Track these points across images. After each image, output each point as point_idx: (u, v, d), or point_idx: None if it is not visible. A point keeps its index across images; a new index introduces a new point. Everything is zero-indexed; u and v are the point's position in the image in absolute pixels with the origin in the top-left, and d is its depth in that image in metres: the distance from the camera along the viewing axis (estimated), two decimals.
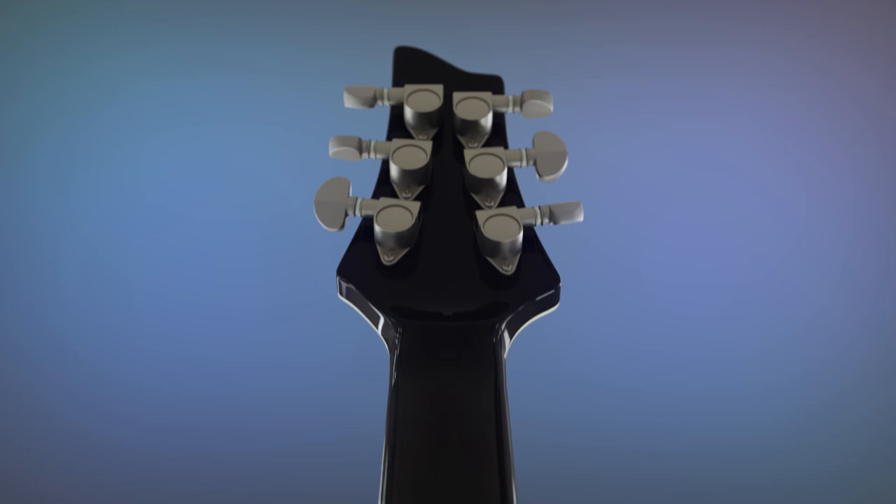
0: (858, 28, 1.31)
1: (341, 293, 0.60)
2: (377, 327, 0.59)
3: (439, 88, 0.65)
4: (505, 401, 0.54)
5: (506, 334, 0.58)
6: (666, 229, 1.23)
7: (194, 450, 1.14)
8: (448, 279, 0.58)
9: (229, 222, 1.22)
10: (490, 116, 0.64)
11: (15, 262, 1.20)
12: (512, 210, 0.60)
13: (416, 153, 0.61)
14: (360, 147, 0.63)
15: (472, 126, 0.64)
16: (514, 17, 1.31)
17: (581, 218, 0.61)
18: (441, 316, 0.57)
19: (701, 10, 1.31)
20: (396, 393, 0.54)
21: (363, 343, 1.17)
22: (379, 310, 0.58)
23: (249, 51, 1.29)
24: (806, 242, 1.22)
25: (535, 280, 0.59)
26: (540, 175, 0.63)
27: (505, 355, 0.57)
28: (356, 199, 0.60)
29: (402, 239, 0.59)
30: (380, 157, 0.63)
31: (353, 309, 0.60)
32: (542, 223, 0.61)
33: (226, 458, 1.14)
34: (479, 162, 0.61)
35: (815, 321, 1.19)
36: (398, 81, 0.68)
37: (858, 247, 1.22)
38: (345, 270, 0.59)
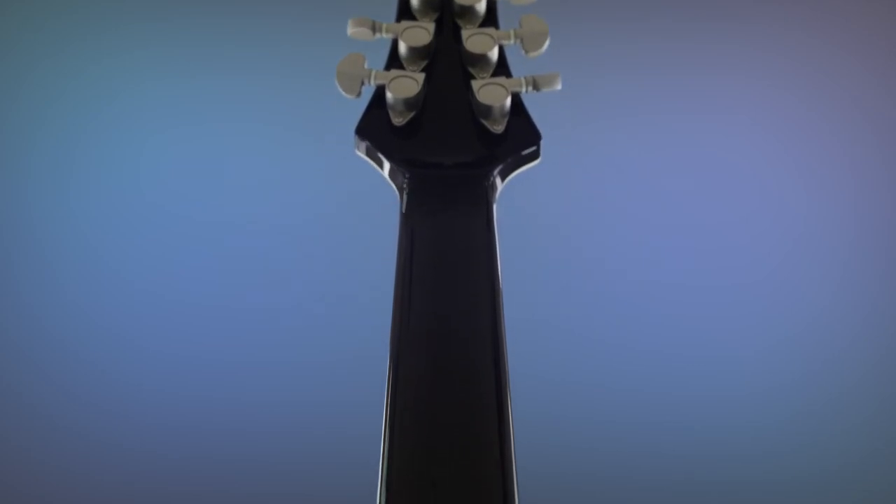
0: (858, 28, 1.31)
1: (359, 150, 0.71)
2: (388, 175, 0.70)
3: None
4: (495, 235, 0.66)
5: (496, 181, 0.69)
6: (666, 229, 1.23)
7: (194, 449, 1.14)
8: (448, 136, 0.70)
9: (229, 222, 1.22)
10: (484, 2, 0.76)
11: (15, 262, 1.20)
12: (501, 80, 0.71)
13: (420, 33, 0.73)
14: (374, 28, 0.74)
15: (468, 10, 0.75)
16: (515, 17, 1.30)
17: (559, 86, 0.73)
18: (442, 165, 0.69)
19: (701, 10, 1.31)
20: (406, 225, 0.66)
21: (363, 343, 1.17)
22: (390, 161, 0.69)
23: (249, 51, 1.29)
24: (806, 242, 1.22)
25: (520, 138, 0.70)
26: (526, 51, 0.74)
27: (495, 200, 0.69)
28: (371, 71, 0.71)
29: (409, 104, 0.70)
30: (390, 36, 0.74)
31: (369, 163, 0.71)
32: (526, 90, 0.72)
33: (226, 457, 1.14)
34: (475, 40, 0.73)
35: (815, 321, 1.19)
36: None
37: (858, 247, 1.22)
38: (362, 130, 0.71)
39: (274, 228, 1.22)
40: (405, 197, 0.68)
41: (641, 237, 1.22)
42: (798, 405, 1.16)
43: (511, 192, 1.22)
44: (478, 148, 0.70)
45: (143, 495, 1.12)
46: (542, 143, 0.70)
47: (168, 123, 1.26)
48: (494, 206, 0.68)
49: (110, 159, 1.25)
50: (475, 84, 0.71)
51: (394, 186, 0.70)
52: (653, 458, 1.14)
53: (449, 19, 0.75)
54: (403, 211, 0.67)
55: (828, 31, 1.30)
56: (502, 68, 0.74)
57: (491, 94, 0.70)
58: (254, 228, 1.22)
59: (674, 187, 1.24)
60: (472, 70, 0.73)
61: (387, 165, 0.70)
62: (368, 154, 0.71)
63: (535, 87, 0.72)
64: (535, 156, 0.71)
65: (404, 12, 0.76)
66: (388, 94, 0.70)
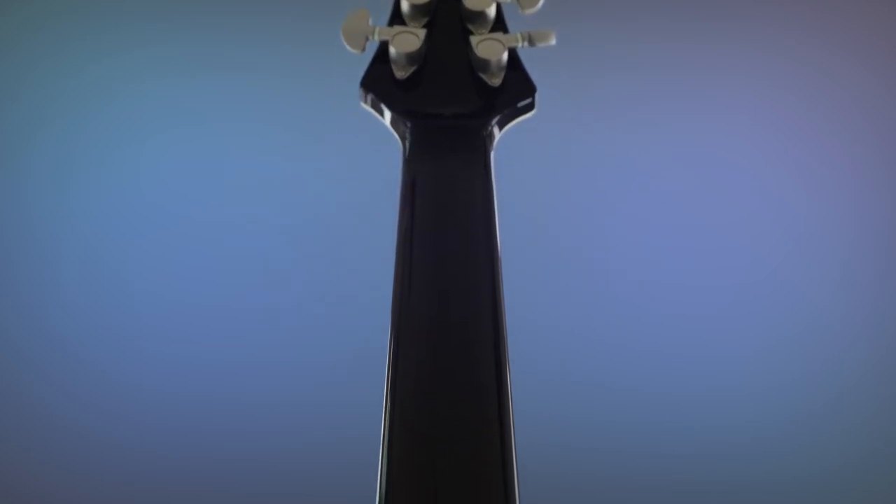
0: (858, 28, 1.31)
1: (364, 102, 0.74)
2: (391, 125, 0.73)
3: None
4: (492, 180, 0.68)
5: (494, 130, 0.72)
6: (666, 229, 1.23)
7: (194, 449, 1.14)
8: (448, 89, 0.73)
9: (229, 222, 1.22)
10: None
11: (15, 262, 1.20)
12: (499, 35, 0.74)
13: None
14: None
15: None
16: (515, 17, 1.31)
17: (553, 41, 0.75)
18: (442, 116, 0.72)
19: (701, 10, 1.31)
20: (408, 171, 0.69)
21: (363, 343, 1.17)
22: (392, 111, 0.72)
23: (249, 51, 1.29)
24: (806, 242, 1.22)
25: (516, 90, 0.73)
26: (521, 9, 0.77)
27: (493, 148, 0.72)
28: (374, 27, 0.75)
29: (411, 58, 0.74)
30: None
31: (374, 115, 0.74)
32: (522, 46, 0.75)
33: (226, 457, 1.14)
34: None
35: (815, 321, 1.19)
36: None
37: (858, 247, 1.22)
38: (366, 83, 0.74)
39: (274, 228, 1.22)
40: (407, 145, 0.71)
41: (641, 237, 1.22)
42: (798, 405, 1.16)
43: (511, 192, 1.23)
44: (476, 100, 0.73)
45: (143, 495, 1.12)
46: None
47: (168, 123, 1.26)
48: (492, 154, 0.71)
49: (110, 159, 1.25)
50: (474, 39, 0.74)
51: (396, 135, 0.73)
52: (653, 458, 1.14)
53: None
54: (406, 158, 0.70)
55: (828, 31, 1.30)
56: (500, 24, 0.77)
57: (489, 48, 0.73)
58: (254, 228, 1.22)
59: (674, 187, 1.24)
60: (470, 26, 0.77)
61: (389, 115, 0.73)
62: (373, 106, 0.74)
63: (531, 42, 0.75)
64: (530, 107, 0.74)
65: None
66: (391, 49, 0.74)
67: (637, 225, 1.23)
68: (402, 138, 0.72)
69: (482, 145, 0.70)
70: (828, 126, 1.27)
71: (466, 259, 0.63)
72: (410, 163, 0.69)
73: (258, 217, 1.23)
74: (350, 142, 1.25)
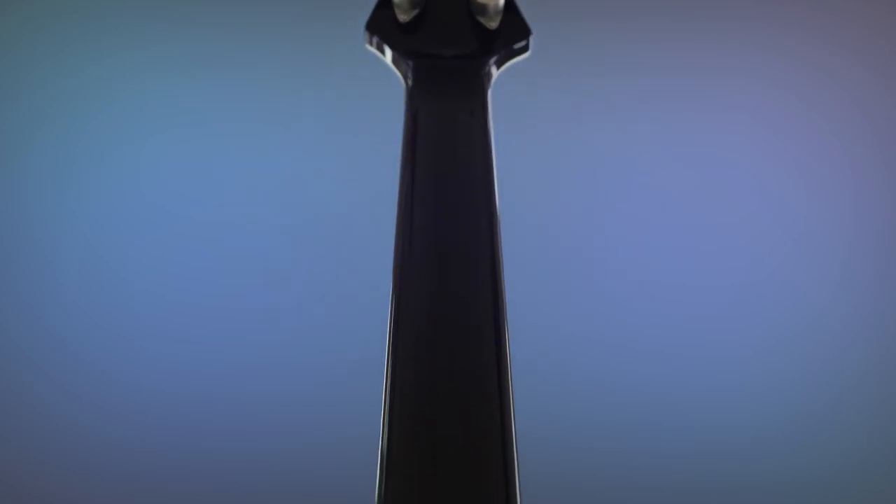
0: (858, 28, 1.31)
1: (370, 44, 0.79)
2: (393, 64, 0.77)
3: None
4: (489, 116, 0.72)
5: (491, 69, 0.76)
6: (665, 229, 1.23)
7: (194, 450, 1.14)
8: (448, 31, 0.78)
9: (229, 222, 1.22)
10: None
11: (15, 262, 1.20)
12: None
13: None
14: None
15: None
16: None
17: None
18: (442, 56, 0.76)
19: (701, 10, 1.31)
20: (410, 109, 0.72)
21: (363, 343, 1.17)
22: (395, 52, 0.77)
23: (249, 51, 1.29)
24: (806, 242, 1.22)
25: (512, 33, 0.78)
26: None
27: (490, 87, 0.75)
28: None
29: (413, 2, 0.78)
30: None
31: (378, 56, 0.78)
32: None
33: (226, 458, 1.14)
34: None
35: (815, 321, 1.19)
36: None
37: (858, 247, 1.22)
38: (371, 26, 0.78)
39: (274, 228, 1.22)
40: (409, 83, 0.75)
41: (641, 236, 1.22)
42: (798, 405, 1.16)
43: (512, 192, 1.23)
44: (475, 42, 0.77)
45: (143, 495, 1.12)
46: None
47: (168, 123, 1.26)
48: (489, 92, 0.76)
49: (110, 159, 1.25)
50: None
51: (399, 74, 0.77)
52: (653, 458, 1.14)
53: None
54: (408, 95, 0.74)
55: (828, 31, 1.30)
56: None
57: None
58: (254, 228, 1.22)
59: (673, 187, 1.24)
60: None
61: (391, 54, 0.77)
62: (377, 47, 0.79)
63: None
64: (525, 49, 0.78)
65: None
66: None
67: (636, 224, 1.23)
68: (405, 77, 0.76)
69: (480, 84, 0.74)
70: (828, 126, 1.27)
71: (466, 193, 0.67)
72: (412, 99, 0.73)
73: (258, 217, 1.23)
74: (350, 142, 1.25)
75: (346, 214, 1.23)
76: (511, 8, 0.80)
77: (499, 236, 0.65)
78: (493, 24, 0.78)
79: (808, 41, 1.30)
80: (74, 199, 1.23)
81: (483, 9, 0.78)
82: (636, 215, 1.23)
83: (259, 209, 1.23)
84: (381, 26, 0.79)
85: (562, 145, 1.24)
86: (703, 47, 1.30)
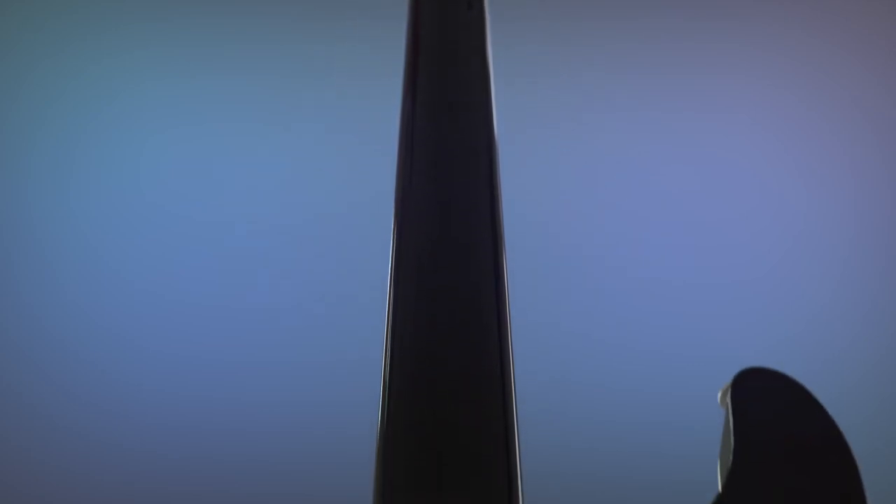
0: (858, 28, 1.31)
1: None
2: None
3: None
4: (486, 15, 0.75)
5: None
6: (666, 227, 1.23)
7: (194, 449, 1.14)
8: None
9: (229, 222, 1.22)
10: None
11: (15, 262, 1.20)
12: None
13: None
14: None
15: None
16: (515, 17, 1.31)
17: None
18: None
19: (701, 10, 1.31)
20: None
21: (363, 343, 1.17)
22: None
23: (249, 51, 1.29)
24: (805, 240, 1.22)
25: None
26: None
27: None
28: None
29: None
30: None
31: None
32: None
33: (226, 458, 1.14)
34: None
35: (815, 319, 1.19)
36: None
37: (858, 245, 1.22)
38: None
39: (274, 228, 1.22)
40: None
41: (641, 235, 1.22)
42: None
43: (512, 192, 1.22)
44: None
45: (143, 495, 1.12)
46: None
47: (168, 123, 1.26)
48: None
49: (110, 159, 1.25)
50: None
51: None
52: (652, 458, 1.14)
53: None
54: None
55: (828, 31, 1.30)
56: None
57: None
58: (254, 228, 1.22)
59: (674, 185, 1.24)
60: None
61: None
62: None
63: None
64: None
65: None
66: None
67: (637, 223, 1.23)
68: None
69: None
70: (828, 126, 1.27)
71: (466, 93, 0.68)
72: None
73: (258, 217, 1.23)
74: (350, 142, 1.25)
75: (346, 214, 1.23)
76: None
77: (496, 143, 0.66)
78: None
79: (808, 41, 1.30)
80: (74, 199, 1.23)
81: None
82: (636, 213, 1.23)
83: (259, 209, 1.23)
84: None
85: (561, 144, 1.24)
86: (703, 47, 1.30)
